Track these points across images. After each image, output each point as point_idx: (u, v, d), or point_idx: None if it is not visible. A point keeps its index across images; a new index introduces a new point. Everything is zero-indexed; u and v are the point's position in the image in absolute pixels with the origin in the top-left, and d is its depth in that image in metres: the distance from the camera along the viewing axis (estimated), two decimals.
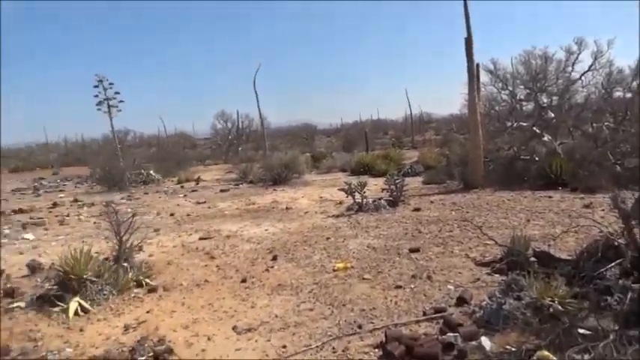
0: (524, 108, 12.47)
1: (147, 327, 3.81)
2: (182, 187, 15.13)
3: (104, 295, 4.46)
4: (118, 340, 3.59)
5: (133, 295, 4.64)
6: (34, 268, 5.44)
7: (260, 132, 28.85)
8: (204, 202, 11.12)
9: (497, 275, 4.44)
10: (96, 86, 17.69)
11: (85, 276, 4.42)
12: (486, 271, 4.64)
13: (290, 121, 54.65)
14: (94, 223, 8.98)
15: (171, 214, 9.49)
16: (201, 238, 7.02)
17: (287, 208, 9.37)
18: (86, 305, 4.22)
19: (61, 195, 14.61)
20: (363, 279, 4.72)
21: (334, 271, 5.06)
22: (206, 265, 5.60)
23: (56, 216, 9.98)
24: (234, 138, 33.45)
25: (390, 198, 8.63)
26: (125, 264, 5.06)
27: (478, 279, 4.45)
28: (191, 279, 5.10)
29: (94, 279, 4.48)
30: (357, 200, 8.36)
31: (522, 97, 12.27)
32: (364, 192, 8.35)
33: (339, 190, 9.07)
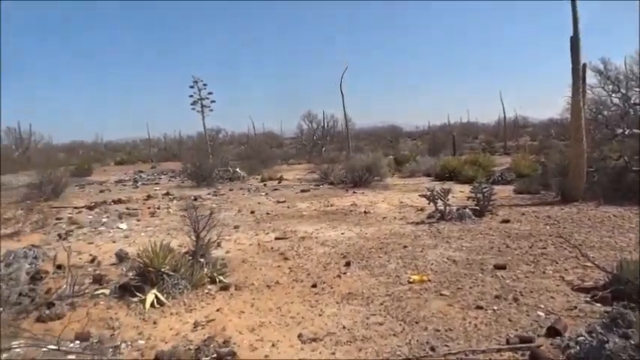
0: (639, 113, 11.08)
1: (215, 326, 3.81)
2: (265, 185, 15.50)
3: (179, 289, 4.57)
4: (186, 337, 3.62)
5: (206, 291, 4.71)
6: (121, 257, 5.77)
7: (344, 133, 28.86)
8: (284, 201, 11.24)
9: (598, 305, 3.86)
10: (191, 87, 18.88)
11: (162, 269, 4.57)
12: (585, 298, 4.07)
13: (375, 123, 54.20)
14: (181, 216, 9.40)
15: (252, 212, 9.69)
16: (277, 238, 7.04)
17: (365, 212, 9.15)
18: (162, 298, 4.35)
19: (156, 188, 15.64)
20: (441, 295, 4.37)
21: (409, 283, 4.75)
22: (279, 266, 5.56)
23: (148, 208, 10.65)
24: (318, 138, 33.87)
25: (476, 207, 8.06)
26: (202, 259, 5.16)
27: (574, 307, 3.90)
28: (263, 279, 5.07)
29: (171, 273, 4.60)
30: (439, 208, 7.91)
31: (638, 100, 10.91)
32: (448, 199, 7.87)
33: (420, 195, 8.66)
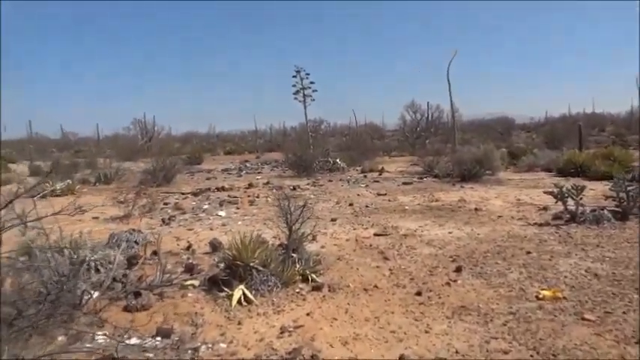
0: None
1: (303, 334, 3.34)
2: (365, 176, 14.94)
3: (268, 286, 4.19)
4: (270, 345, 3.19)
5: (297, 290, 4.28)
6: (215, 246, 5.60)
7: (450, 124, 27.23)
8: (385, 193, 10.58)
9: None
10: (294, 76, 18.92)
11: (251, 263, 4.22)
12: None
13: (484, 114, 50.91)
14: (276, 206, 9.22)
15: (350, 204, 9.18)
16: (376, 234, 6.44)
17: (476, 209, 8.16)
18: (250, 295, 4.00)
19: (258, 177, 15.88)
20: (583, 319, 3.45)
21: (538, 299, 3.87)
22: (378, 267, 4.96)
23: (248, 196, 10.67)
24: (422, 130, 32.43)
25: (618, 208, 6.70)
26: (294, 254, 4.75)
27: None
28: (359, 281, 4.52)
29: (260, 268, 4.24)
30: (568, 207, 6.70)
31: None
32: (580, 198, 6.62)
33: (545, 192, 7.45)
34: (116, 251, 5.00)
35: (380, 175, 15.24)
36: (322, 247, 5.83)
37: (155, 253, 5.21)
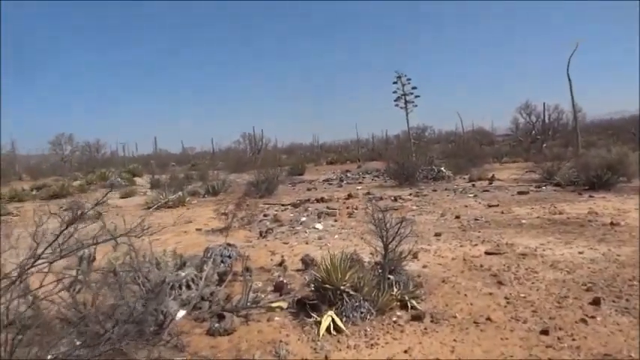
0: None
1: None
2: (473, 185, 13.79)
3: (361, 313, 3.73)
4: None
5: (394, 319, 3.75)
6: (307, 263, 5.28)
7: (572, 126, 24.49)
8: (497, 205, 9.52)
9: None
10: (395, 82, 18.33)
11: (342, 287, 3.79)
12: None
13: (607, 113, 45.45)
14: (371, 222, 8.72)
15: (457, 217, 8.36)
16: (487, 253, 5.63)
17: (612, 223, 6.88)
18: (339, 323, 3.57)
19: (358, 187, 15.50)
20: None
21: None
22: (491, 294, 4.23)
23: (347, 208, 10.31)
24: (538, 133, 29.72)
25: None
26: (391, 276, 4.24)
27: None
28: (468, 310, 3.85)
29: (352, 292, 3.79)
30: None
31: None
32: None
33: None
34: (208, 266, 4.92)
35: (490, 183, 13.98)
36: (424, 266, 5.21)
37: (247, 269, 5.03)
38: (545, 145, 27.46)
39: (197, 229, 8.68)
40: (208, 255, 5.54)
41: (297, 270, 5.29)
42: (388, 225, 4.23)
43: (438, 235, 6.87)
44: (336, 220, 8.81)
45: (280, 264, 5.54)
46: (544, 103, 30.04)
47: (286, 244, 6.92)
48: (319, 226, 8.20)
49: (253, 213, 8.95)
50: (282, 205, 11.74)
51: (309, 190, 15.85)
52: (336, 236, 7.30)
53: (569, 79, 20.70)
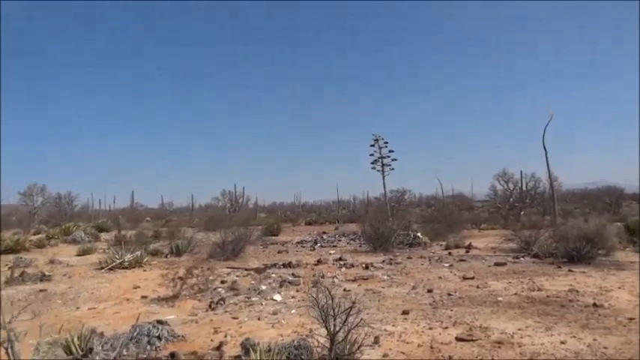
0: None
1: None
2: (449, 253, 13.19)
3: None
4: None
5: None
6: (247, 349, 4.48)
7: (548, 194, 24.50)
8: (473, 277, 8.90)
9: None
10: (372, 145, 18.19)
11: None
12: None
13: (583, 183, 46.30)
14: (344, 290, 7.99)
15: (429, 291, 7.68)
16: (459, 339, 4.93)
17: (595, 304, 6.29)
18: None
19: (332, 252, 14.77)
20: None
21: None
22: None
23: (313, 276, 9.56)
24: (515, 200, 29.69)
25: None
26: None
27: None
28: None
29: None
30: None
31: None
32: None
33: None
34: (130, 350, 4.11)
35: (467, 252, 13.42)
36: (385, 355, 4.47)
37: (173, 355, 4.22)
38: (522, 212, 27.36)
39: (143, 297, 7.80)
40: (135, 334, 4.72)
41: (235, 357, 4.49)
42: (337, 310, 3.55)
43: (406, 313, 6.15)
44: (297, 291, 8.03)
45: (218, 347, 4.73)
46: (521, 171, 30.27)
47: (235, 319, 6.12)
48: (278, 297, 7.41)
49: (207, 279, 8.12)
50: (246, 269, 10.91)
51: (279, 252, 15.04)
52: (293, 311, 6.51)
53: (545, 149, 20.93)
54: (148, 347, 4.53)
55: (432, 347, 4.68)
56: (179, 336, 4.95)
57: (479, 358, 4.33)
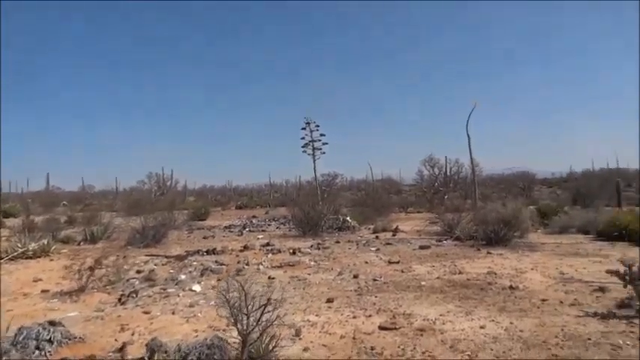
0: None
1: None
2: (377, 237, 13.34)
3: None
4: None
5: None
6: (153, 350, 4.04)
7: (470, 179, 25.70)
8: (398, 261, 8.96)
9: None
10: (303, 128, 17.92)
11: None
12: None
13: (503, 168, 49.34)
14: (269, 277, 7.70)
15: (355, 276, 7.60)
16: (382, 327, 4.81)
17: (511, 287, 6.49)
18: None
19: (260, 236, 14.42)
20: None
21: None
22: None
23: (238, 262, 9.17)
24: (440, 185, 30.94)
25: None
26: None
27: None
28: None
29: None
30: (639, 293, 5.02)
31: None
32: None
33: (607, 272, 5.66)
34: (12, 357, 3.54)
35: (394, 235, 13.64)
36: (305, 349, 4.23)
37: None
38: (446, 196, 28.53)
39: (43, 291, 7.02)
40: (21, 338, 4.11)
41: None
42: (250, 307, 3.23)
43: (330, 301, 5.98)
44: (219, 280, 7.61)
45: (120, 349, 4.24)
46: (446, 157, 31.56)
47: (147, 313, 5.62)
48: (197, 287, 6.96)
49: (120, 269, 7.47)
50: (167, 257, 10.27)
51: (205, 238, 14.43)
52: (212, 302, 6.10)
53: (468, 136, 21.81)
54: (37, 352, 3.95)
55: (354, 338, 4.52)
56: (77, 337, 4.40)
57: (401, 347, 4.23)
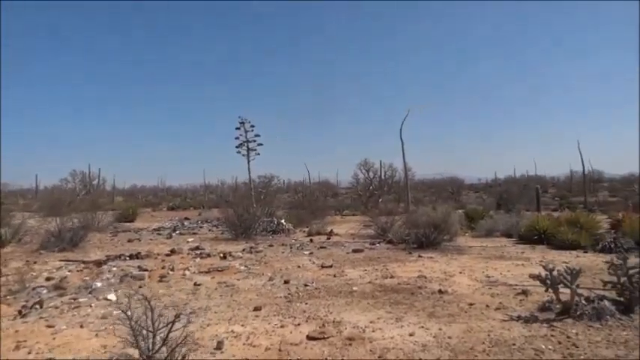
0: None
1: None
2: (311, 240, 13.19)
3: None
4: None
5: None
6: None
7: (403, 183, 26.38)
8: (331, 265, 8.83)
9: None
10: (237, 128, 17.40)
11: None
12: None
13: (435, 174, 51.41)
14: (194, 284, 7.25)
15: (286, 282, 7.34)
16: (310, 338, 4.58)
17: (440, 291, 6.53)
18: None
19: (190, 239, 13.77)
20: None
21: None
22: None
23: (162, 268, 8.61)
24: (375, 188, 31.52)
25: (619, 297, 5.26)
26: None
27: None
28: None
29: None
30: (559, 296, 5.19)
31: None
32: (577, 285, 5.10)
33: (531, 277, 5.85)
34: None
35: (328, 239, 13.55)
36: None
37: None
38: (381, 199, 29.08)
39: None
40: None
41: None
42: (157, 324, 2.87)
43: (258, 309, 5.68)
44: (140, 287, 7.07)
45: None
46: (380, 161, 32.27)
47: (50, 327, 5.01)
48: (113, 296, 6.38)
49: (23, 277, 6.71)
50: (84, 262, 9.44)
51: (129, 241, 13.55)
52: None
53: (402, 141, 22.41)
54: None
55: (280, 350, 4.26)
56: None
57: (329, 354, 4.03)
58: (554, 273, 5.08)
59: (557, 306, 5.19)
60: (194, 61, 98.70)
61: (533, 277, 5.42)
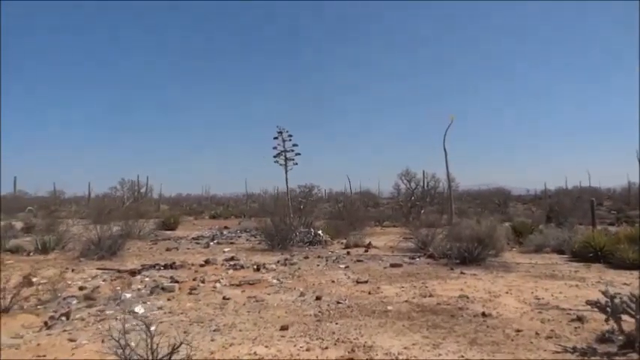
0: None
1: None
2: (348, 253, 12.78)
3: None
4: None
5: None
6: None
7: (447, 194, 25.49)
8: (366, 281, 8.40)
9: None
10: (275, 137, 17.34)
11: None
12: None
13: (479, 184, 49.70)
14: (223, 298, 7.03)
15: (318, 298, 6.99)
16: None
17: (484, 313, 5.98)
18: None
19: (227, 249, 13.70)
20: None
21: None
22: None
23: (194, 279, 8.48)
24: (417, 199, 30.67)
25: None
26: None
27: None
28: None
29: None
30: (621, 326, 4.56)
31: None
32: None
33: (588, 303, 5.16)
34: None
35: (366, 251, 13.10)
36: None
37: None
38: (423, 211, 28.23)
39: None
40: None
41: None
42: (155, 353, 2.60)
43: (284, 328, 5.36)
44: (169, 299, 6.93)
45: None
46: (423, 171, 31.43)
47: (72, 341, 4.90)
48: (140, 309, 6.25)
49: (55, 286, 6.70)
50: (119, 271, 9.50)
51: (168, 250, 13.65)
52: (153, 328, 5.42)
53: (445, 151, 21.65)
54: None
55: None
56: None
57: None
58: (616, 300, 4.47)
59: (620, 337, 4.56)
60: (241, 75, 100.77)
61: (590, 303, 4.81)
